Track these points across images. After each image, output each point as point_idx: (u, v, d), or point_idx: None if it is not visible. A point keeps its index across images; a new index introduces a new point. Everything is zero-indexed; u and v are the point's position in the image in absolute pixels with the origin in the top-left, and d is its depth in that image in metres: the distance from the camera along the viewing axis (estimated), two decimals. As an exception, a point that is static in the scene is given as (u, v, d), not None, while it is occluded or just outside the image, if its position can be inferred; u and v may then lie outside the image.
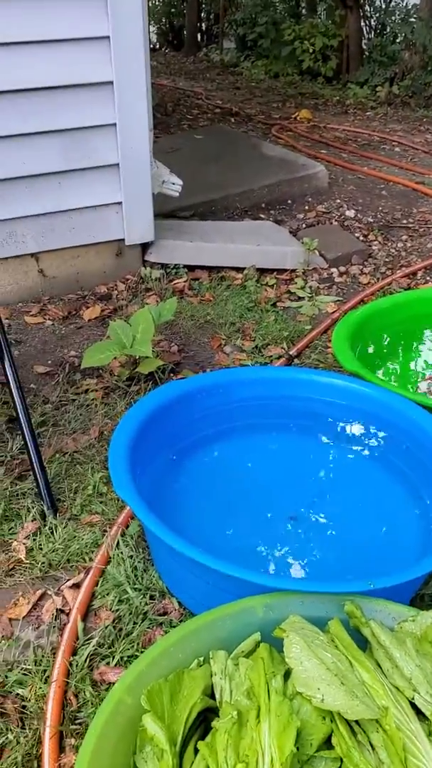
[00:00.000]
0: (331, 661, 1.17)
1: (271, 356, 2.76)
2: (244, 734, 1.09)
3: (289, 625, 1.26)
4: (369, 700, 1.10)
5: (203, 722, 1.23)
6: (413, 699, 1.14)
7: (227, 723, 1.11)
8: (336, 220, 4.10)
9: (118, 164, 2.99)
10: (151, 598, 1.68)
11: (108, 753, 1.13)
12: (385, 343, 2.63)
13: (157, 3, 12.61)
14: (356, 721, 1.11)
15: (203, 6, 12.09)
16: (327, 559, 1.69)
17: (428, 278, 3.43)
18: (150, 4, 12.40)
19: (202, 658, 1.30)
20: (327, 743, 1.10)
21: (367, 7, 9.07)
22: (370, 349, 2.59)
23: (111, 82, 2.82)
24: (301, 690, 1.12)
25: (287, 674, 1.20)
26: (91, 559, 1.79)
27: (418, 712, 1.14)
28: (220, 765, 1.05)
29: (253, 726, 1.09)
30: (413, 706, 1.14)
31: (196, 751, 1.15)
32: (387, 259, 3.66)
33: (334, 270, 3.56)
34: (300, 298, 3.28)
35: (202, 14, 12.17)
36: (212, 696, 1.26)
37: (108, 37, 2.72)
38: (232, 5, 11.21)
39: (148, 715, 1.15)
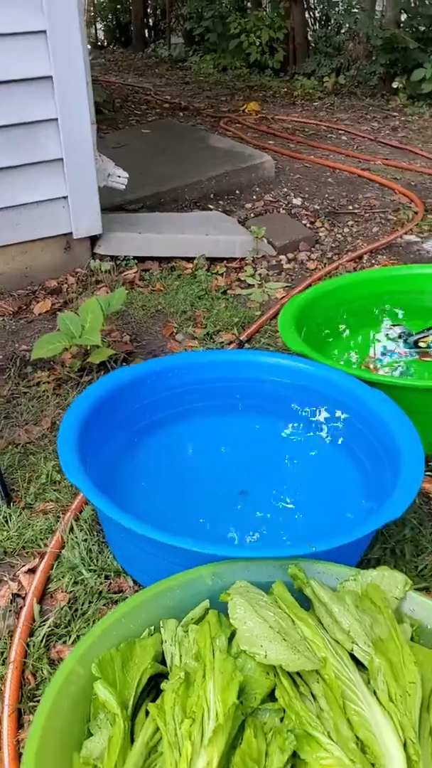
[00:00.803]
0: (273, 619, 1.22)
1: (223, 342, 2.81)
2: (191, 693, 1.13)
3: (235, 589, 1.31)
4: (310, 654, 1.15)
5: (154, 688, 1.27)
6: (352, 650, 1.19)
7: (175, 684, 1.15)
8: (283, 209, 4.16)
9: (61, 159, 3.00)
10: (106, 577, 1.71)
11: (61, 721, 1.16)
12: (335, 323, 2.68)
13: (102, -1, 12.55)
14: (299, 675, 1.16)
15: (149, 1, 12.06)
16: (275, 528, 1.75)
17: (373, 261, 3.52)
18: (96, 1, 12.35)
19: (153, 628, 1.34)
20: (271, 696, 1.15)
21: (310, -1, 9.16)
22: (327, 331, 2.64)
23: (50, 77, 2.83)
24: (245, 648, 1.17)
25: (233, 636, 1.25)
26: (45, 545, 1.81)
27: (358, 663, 1.19)
28: (168, 723, 1.09)
29: (200, 685, 1.13)
30: (353, 657, 1.20)
31: (148, 714, 1.19)
32: (333, 245, 3.73)
33: (282, 257, 3.62)
34: (250, 286, 3.33)
35: (149, 10, 12.15)
36: (164, 663, 1.30)
37: (44, 32, 2.74)
38: (177, 0, 11.22)
39: (99, 682, 1.19)
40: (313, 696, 1.12)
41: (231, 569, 1.41)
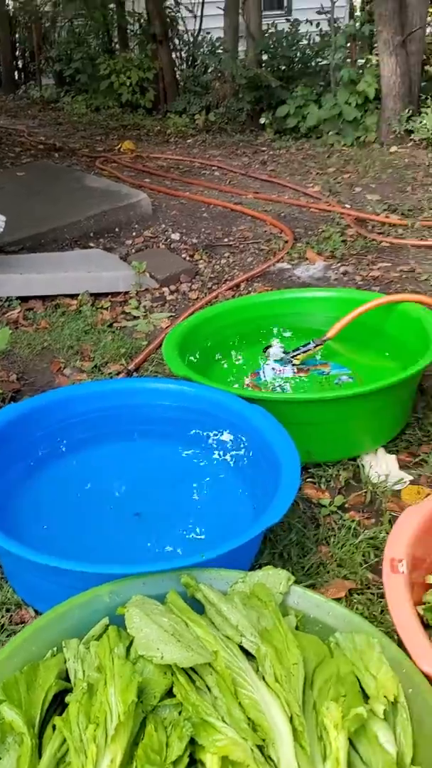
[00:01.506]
0: (168, 624, 1.31)
1: (111, 373, 2.89)
2: (95, 701, 1.20)
3: (131, 603, 1.39)
4: (202, 650, 1.25)
5: (61, 705, 1.33)
6: (242, 643, 1.30)
7: (78, 694, 1.21)
8: (163, 244, 4.32)
9: None
10: (7, 611, 1.75)
11: (-31, 748, 1.20)
12: (213, 347, 2.81)
13: (-31, 43, 12.47)
14: (194, 671, 1.25)
15: (17, 44, 12.12)
16: (169, 544, 1.84)
17: (250, 289, 3.71)
18: (-38, 45, 12.26)
19: (55, 649, 1.39)
20: (170, 694, 1.24)
21: (176, 41, 9.51)
22: (218, 354, 2.77)
23: None
24: (143, 652, 1.25)
25: (132, 645, 1.32)
26: None
27: (248, 654, 1.30)
28: (74, 731, 1.15)
29: (102, 692, 1.20)
30: (243, 649, 1.30)
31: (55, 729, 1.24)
32: (212, 275, 3.91)
33: (165, 289, 3.76)
34: (135, 318, 3.44)
35: (17, 52, 12.20)
36: (69, 681, 1.36)
37: None
38: (46, 42, 11.34)
39: (4, 704, 1.23)
40: (208, 687, 1.21)
41: (127, 586, 1.49)
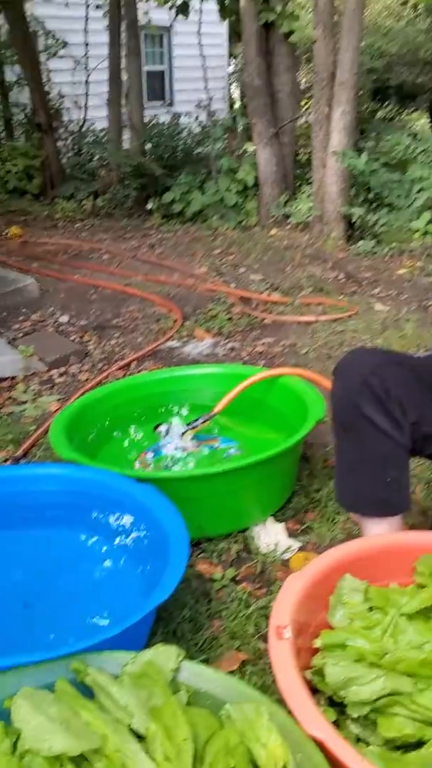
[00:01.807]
0: (57, 713, 1.29)
1: (-2, 460, 2.85)
2: (-20, 804, 1.16)
3: (19, 695, 1.36)
4: (91, 736, 1.24)
5: None
6: (131, 724, 1.29)
7: (-38, 799, 1.17)
8: (51, 327, 4.36)
9: None
10: None
11: None
12: (104, 427, 2.84)
13: None
14: (85, 759, 1.24)
15: None
16: (60, 632, 1.81)
17: (141, 368, 3.79)
18: None
19: None
20: (60, 787, 1.21)
21: (61, 130, 9.81)
22: (116, 433, 2.77)
23: None
24: (30, 746, 1.22)
25: (19, 740, 1.29)
26: None
27: (140, 735, 1.30)
28: None
29: (-13, 793, 1.16)
30: (134, 731, 1.30)
31: None
32: (102, 356, 3.97)
33: (54, 371, 3.77)
34: (23, 402, 3.42)
35: None
36: None
37: None
38: None
39: None
40: (98, 775, 1.20)
41: (15, 678, 1.45)
